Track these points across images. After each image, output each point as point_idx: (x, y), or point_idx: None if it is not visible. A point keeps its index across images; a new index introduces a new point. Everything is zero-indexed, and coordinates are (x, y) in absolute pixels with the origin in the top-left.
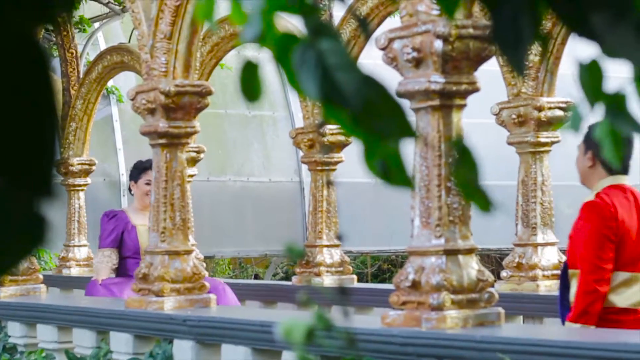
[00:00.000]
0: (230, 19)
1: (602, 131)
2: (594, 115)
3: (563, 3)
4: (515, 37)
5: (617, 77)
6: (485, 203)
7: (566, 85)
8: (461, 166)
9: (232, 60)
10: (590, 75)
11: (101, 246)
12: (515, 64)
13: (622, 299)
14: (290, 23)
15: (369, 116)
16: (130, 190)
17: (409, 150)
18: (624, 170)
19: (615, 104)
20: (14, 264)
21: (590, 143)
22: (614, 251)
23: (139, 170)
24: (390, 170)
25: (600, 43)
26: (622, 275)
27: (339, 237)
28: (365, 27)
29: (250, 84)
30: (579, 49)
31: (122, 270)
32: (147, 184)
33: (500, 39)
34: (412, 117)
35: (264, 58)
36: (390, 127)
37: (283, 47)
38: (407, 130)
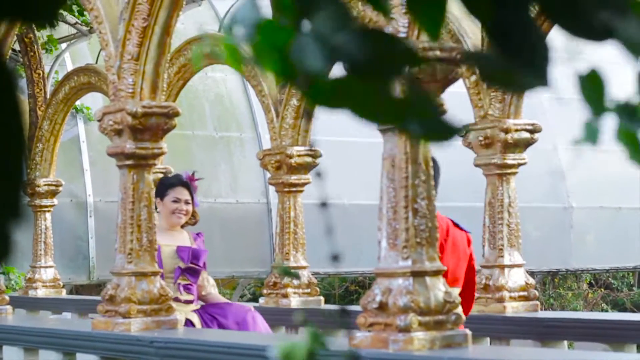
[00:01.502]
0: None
1: (621, 136)
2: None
3: (561, 5)
4: (530, 55)
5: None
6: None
7: (532, 107)
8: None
9: (200, 82)
10: (592, 85)
11: None
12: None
13: None
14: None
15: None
16: (156, 208)
17: (376, 172)
18: None
19: (628, 111)
20: None
21: None
22: None
23: (165, 186)
24: (427, 125)
25: (614, 36)
26: None
27: (335, 257)
28: None
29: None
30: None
31: None
32: (175, 201)
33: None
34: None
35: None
36: (398, 65)
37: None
38: (416, 60)
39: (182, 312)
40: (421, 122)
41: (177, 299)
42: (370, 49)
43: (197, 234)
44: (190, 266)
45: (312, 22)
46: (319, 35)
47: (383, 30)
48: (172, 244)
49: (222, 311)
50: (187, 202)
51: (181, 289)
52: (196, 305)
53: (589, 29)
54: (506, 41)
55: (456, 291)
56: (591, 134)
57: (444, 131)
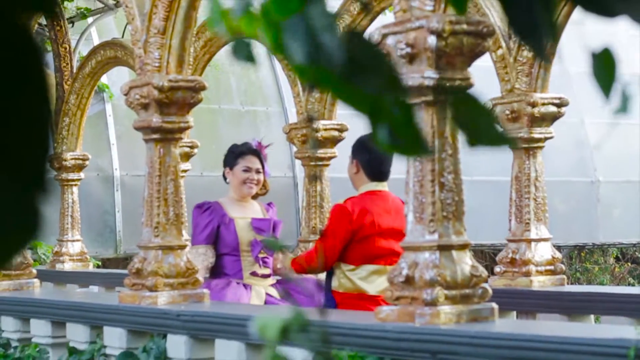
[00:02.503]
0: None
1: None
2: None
3: None
4: (532, 23)
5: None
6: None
7: (559, 80)
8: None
9: (226, 56)
10: (605, 63)
11: (194, 243)
12: (537, 50)
13: (372, 287)
14: None
15: (355, 73)
16: (225, 178)
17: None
18: (382, 178)
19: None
20: (9, 258)
21: (355, 152)
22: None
23: (234, 155)
24: (400, 137)
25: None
26: (372, 267)
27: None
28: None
29: (244, 55)
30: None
31: (218, 270)
32: (246, 170)
33: (518, 27)
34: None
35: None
36: (377, 82)
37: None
38: (394, 84)
39: (261, 287)
40: (392, 133)
41: (254, 274)
42: (347, 53)
43: (269, 204)
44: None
45: (308, 14)
46: (310, 29)
47: (362, 35)
48: (245, 217)
49: (295, 286)
50: (258, 171)
51: (260, 262)
52: (273, 280)
53: (603, 6)
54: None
55: None
56: (624, 103)
57: (412, 149)
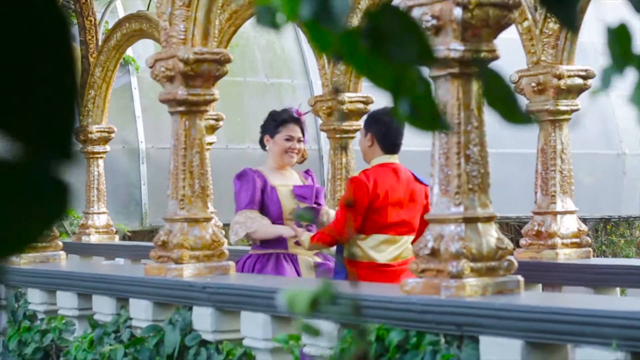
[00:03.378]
0: None
1: (635, 99)
2: (624, 78)
3: None
4: None
5: None
6: (520, 117)
7: (585, 53)
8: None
9: (251, 28)
10: (619, 39)
11: (241, 208)
12: (566, 21)
13: (381, 256)
14: None
15: (385, 45)
16: (263, 146)
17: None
18: (394, 150)
19: None
20: (41, 233)
21: (369, 126)
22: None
23: (276, 122)
24: (419, 111)
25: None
26: (382, 237)
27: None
28: None
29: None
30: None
31: (262, 240)
32: (288, 139)
33: None
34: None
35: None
36: (410, 52)
37: None
38: (427, 54)
39: (307, 255)
40: (414, 108)
41: (298, 243)
42: (378, 24)
43: (307, 172)
44: (312, 205)
45: None
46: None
47: (394, 6)
48: (287, 184)
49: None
50: (299, 140)
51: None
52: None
53: None
54: None
55: (412, 237)
56: (605, 82)
57: (431, 124)
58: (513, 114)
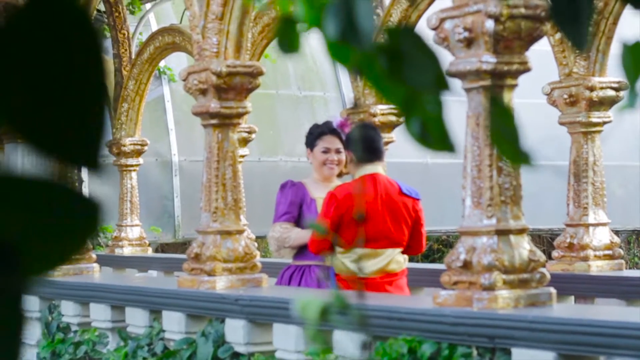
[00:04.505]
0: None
1: None
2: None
3: None
4: (573, 12)
5: None
6: (519, 156)
7: (618, 65)
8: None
9: None
10: (633, 56)
11: (276, 219)
12: (576, 40)
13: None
14: None
15: (400, 66)
16: (308, 159)
17: (459, 128)
18: (373, 158)
19: None
20: (72, 252)
21: (345, 144)
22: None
23: (313, 136)
24: (429, 132)
25: None
26: (361, 251)
27: None
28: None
29: (288, 37)
30: (628, 30)
31: (301, 251)
32: (325, 152)
33: (559, 15)
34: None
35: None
36: (425, 77)
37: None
38: (442, 82)
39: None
40: (424, 127)
41: None
42: (397, 47)
43: None
44: None
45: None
46: (350, 9)
47: (414, 30)
48: None
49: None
50: (337, 151)
51: None
52: None
53: None
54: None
55: (397, 251)
56: (632, 100)
57: (439, 145)
58: (516, 154)
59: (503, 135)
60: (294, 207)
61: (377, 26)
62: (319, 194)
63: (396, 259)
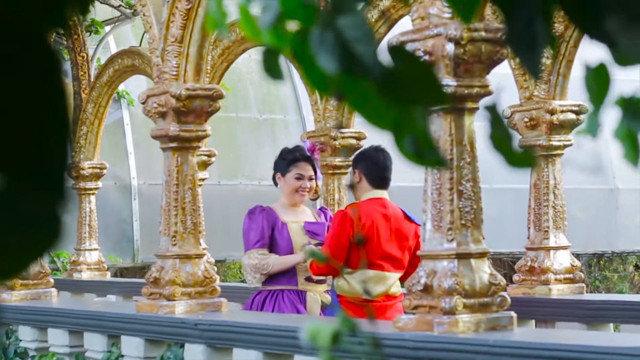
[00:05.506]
0: (240, 26)
1: (619, 134)
2: (606, 118)
3: (575, 5)
4: (530, 40)
5: (631, 81)
6: (526, 159)
7: (579, 88)
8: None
9: (243, 64)
10: (597, 79)
11: (249, 247)
12: (531, 67)
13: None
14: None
15: (397, 84)
16: (276, 183)
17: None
18: (383, 185)
19: (632, 108)
20: (26, 266)
21: (357, 163)
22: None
23: (287, 161)
24: (421, 148)
25: (612, 47)
26: (371, 273)
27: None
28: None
29: (271, 67)
30: (590, 52)
31: (272, 275)
32: (298, 178)
33: (515, 42)
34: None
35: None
36: (422, 93)
37: (301, 34)
38: (440, 96)
39: (316, 293)
40: (417, 145)
41: (309, 279)
42: (389, 66)
43: (321, 209)
44: (323, 242)
45: (338, 24)
46: (341, 38)
47: (405, 48)
48: (298, 220)
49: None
50: (310, 179)
51: None
52: (327, 286)
53: (600, 34)
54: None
55: (399, 275)
56: (592, 127)
57: (428, 160)
58: (514, 156)
59: (503, 141)
60: (266, 234)
61: (377, 46)
62: (288, 218)
63: (397, 283)
